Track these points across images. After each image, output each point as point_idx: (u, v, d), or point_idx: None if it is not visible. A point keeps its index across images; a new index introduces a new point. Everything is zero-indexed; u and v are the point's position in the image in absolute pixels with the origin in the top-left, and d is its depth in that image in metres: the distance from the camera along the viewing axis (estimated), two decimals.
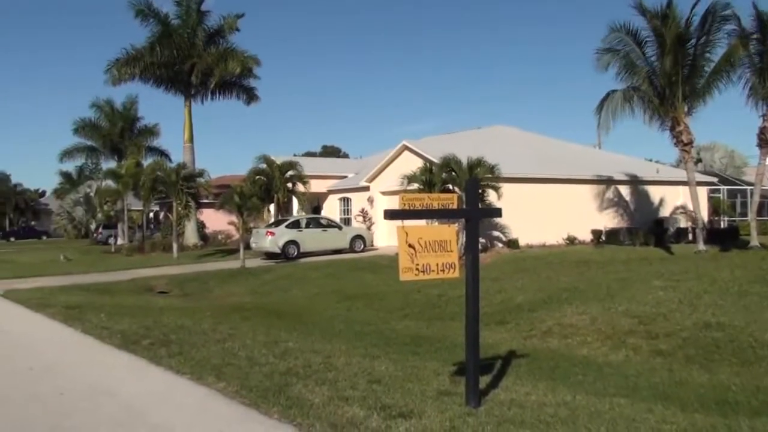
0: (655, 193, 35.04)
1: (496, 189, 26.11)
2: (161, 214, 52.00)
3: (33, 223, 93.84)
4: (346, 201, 40.20)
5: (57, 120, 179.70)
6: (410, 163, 30.82)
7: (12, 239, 78.36)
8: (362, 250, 31.48)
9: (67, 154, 55.46)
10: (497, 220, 28.04)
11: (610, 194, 33.76)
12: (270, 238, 29.97)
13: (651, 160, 46.64)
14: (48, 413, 6.42)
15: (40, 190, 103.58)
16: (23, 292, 17.93)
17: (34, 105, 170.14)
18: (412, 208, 6.50)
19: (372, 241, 33.13)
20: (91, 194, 59.02)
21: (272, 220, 34.20)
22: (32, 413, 6.45)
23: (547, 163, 32.88)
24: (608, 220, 32.88)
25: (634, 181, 34.41)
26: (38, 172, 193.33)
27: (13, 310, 15.24)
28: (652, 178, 35.26)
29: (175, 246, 34.63)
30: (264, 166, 34.83)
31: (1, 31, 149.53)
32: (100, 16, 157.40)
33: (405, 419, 5.75)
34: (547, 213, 29.95)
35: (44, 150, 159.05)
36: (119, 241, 45.88)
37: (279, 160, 35.33)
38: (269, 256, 30.36)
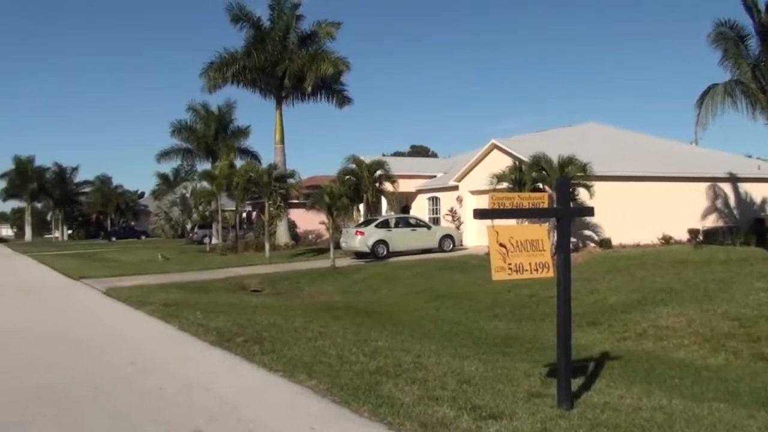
0: (756, 190, 33.64)
1: (588, 188, 25.55)
2: (254, 215, 53.06)
3: (132, 223, 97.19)
4: (434, 200, 40.13)
5: (155, 123, 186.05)
6: (499, 162, 30.52)
7: (113, 239, 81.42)
8: (451, 250, 31.34)
9: (164, 156, 57.39)
10: (589, 219, 27.50)
11: (708, 192, 32.58)
12: (359, 238, 30.19)
13: (750, 157, 44.79)
14: (149, 407, 6.65)
15: (139, 192, 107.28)
16: (124, 290, 18.55)
17: (133, 110, 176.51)
18: (501, 207, 6.43)
19: (461, 241, 32.96)
20: (187, 195, 60.78)
21: (361, 219, 34.44)
22: (134, 406, 6.68)
23: (642, 160, 32.00)
24: (706, 219, 31.76)
25: (734, 179, 33.09)
26: (137, 174, 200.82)
27: (115, 306, 15.82)
28: (753, 175, 33.85)
29: (267, 245, 35.23)
30: (353, 166, 35.09)
31: (104, 41, 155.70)
32: (196, 21, 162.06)
33: (495, 420, 5.69)
34: (642, 212, 29.15)
35: (143, 152, 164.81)
36: (214, 241, 47.01)
37: (368, 160, 35.53)
38: (359, 255, 30.58)
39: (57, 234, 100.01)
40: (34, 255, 45.18)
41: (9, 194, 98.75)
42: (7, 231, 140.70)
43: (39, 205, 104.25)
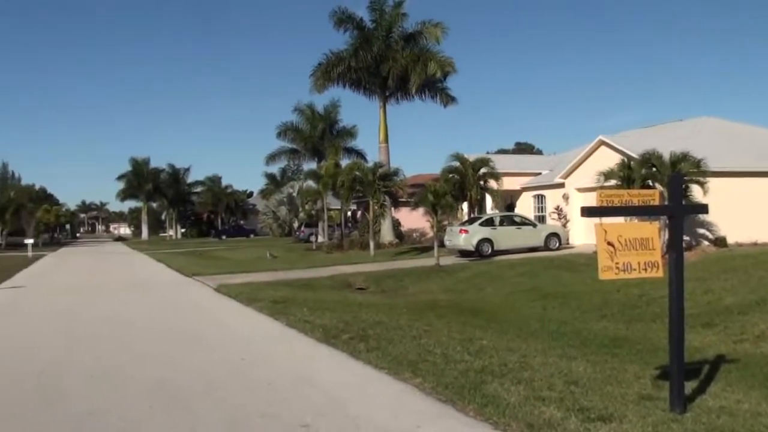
0: None
1: (702, 184, 24.56)
2: (359, 213, 53.60)
3: (242, 222, 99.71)
4: (540, 198, 39.52)
5: (263, 125, 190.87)
6: (607, 159, 29.76)
7: (223, 237, 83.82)
8: (557, 248, 30.78)
9: (272, 157, 58.79)
10: (702, 217, 26.43)
11: None
12: (464, 236, 30.05)
13: None
14: (259, 400, 6.82)
15: (248, 191, 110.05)
16: (234, 287, 19.08)
17: (242, 112, 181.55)
18: (610, 204, 6.27)
19: (567, 239, 32.35)
20: (294, 194, 61.83)
21: (466, 218, 34.28)
22: (245, 400, 6.87)
23: (760, 155, 30.53)
24: None
25: None
26: (246, 174, 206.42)
27: (226, 303, 16.30)
28: None
29: (371, 244, 35.52)
30: (457, 164, 34.96)
31: (217, 48, 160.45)
32: (303, 24, 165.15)
33: (605, 423, 5.57)
34: (760, 209, 27.82)
35: (252, 153, 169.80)
36: (320, 239, 47.73)
37: (472, 157, 35.33)
38: (463, 253, 30.44)
39: (171, 232, 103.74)
40: (149, 253, 47.09)
41: (127, 195, 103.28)
42: (125, 230, 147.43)
43: (154, 205, 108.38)
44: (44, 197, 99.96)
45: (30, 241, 50.85)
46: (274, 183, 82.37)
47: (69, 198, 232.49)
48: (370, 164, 40.90)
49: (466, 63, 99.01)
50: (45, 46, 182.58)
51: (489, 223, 31.06)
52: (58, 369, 8.61)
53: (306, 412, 6.26)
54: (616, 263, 5.85)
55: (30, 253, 44.91)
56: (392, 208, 41.90)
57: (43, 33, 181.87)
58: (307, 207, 54.22)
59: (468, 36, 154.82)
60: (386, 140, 42.89)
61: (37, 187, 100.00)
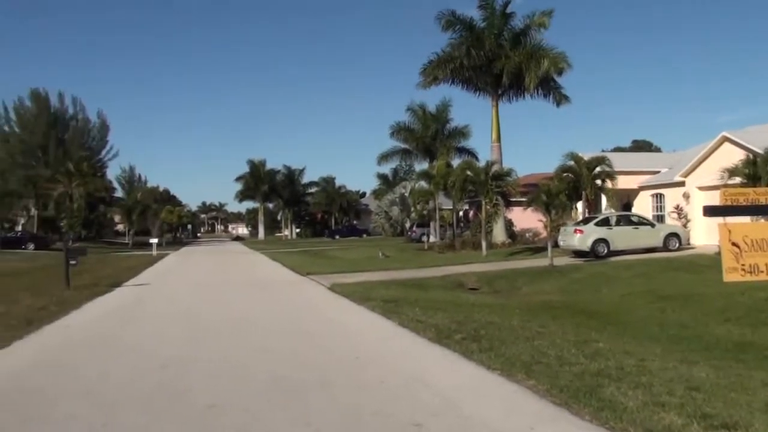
0: None
1: None
2: (471, 213, 53.38)
3: (354, 222, 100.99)
4: (658, 197, 38.25)
5: (375, 125, 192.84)
6: (731, 156, 28.54)
7: (336, 237, 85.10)
8: (677, 249, 29.69)
9: (384, 157, 59.27)
10: None
11: None
12: (578, 236, 29.44)
13: None
14: (371, 399, 6.88)
15: (361, 192, 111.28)
16: (347, 286, 19.32)
17: (355, 113, 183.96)
18: (735, 203, 6.04)
19: (688, 240, 31.15)
20: (406, 194, 62.30)
21: (580, 217, 33.60)
22: (358, 398, 6.94)
23: None
24: None
25: None
26: (359, 175, 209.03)
27: (339, 302, 16.52)
28: None
29: (484, 244, 35.28)
30: (571, 163, 34.35)
31: (331, 49, 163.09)
32: (415, 25, 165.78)
33: (729, 431, 5.34)
34: None
35: (364, 154, 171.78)
36: (431, 239, 47.79)
37: (586, 156, 34.63)
38: (578, 254, 29.83)
39: (286, 232, 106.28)
40: (266, 252, 48.34)
41: (244, 196, 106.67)
42: (242, 230, 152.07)
43: (270, 206, 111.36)
44: (168, 198, 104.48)
45: (154, 240, 53.18)
46: (387, 183, 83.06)
47: (190, 199, 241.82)
48: (482, 164, 40.65)
49: (581, 59, 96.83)
50: (169, 53, 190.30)
51: (605, 222, 30.30)
52: (180, 363, 8.95)
53: (418, 412, 6.28)
54: (742, 265, 5.64)
55: (154, 252, 46.91)
56: (505, 208, 41.49)
57: (167, 41, 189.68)
58: (418, 207, 54.40)
59: (583, 32, 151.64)
60: (498, 139, 42.49)
61: (161, 188, 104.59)
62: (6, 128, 75.33)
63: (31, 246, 58.17)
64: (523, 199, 35.57)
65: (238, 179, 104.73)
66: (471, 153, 53.33)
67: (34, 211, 71.52)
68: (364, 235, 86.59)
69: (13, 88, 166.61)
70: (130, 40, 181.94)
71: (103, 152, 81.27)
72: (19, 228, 70.93)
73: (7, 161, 72.17)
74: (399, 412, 6.33)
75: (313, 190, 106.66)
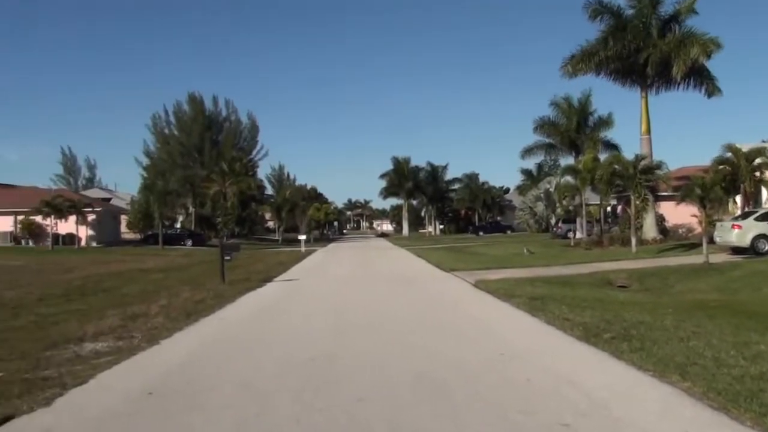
0: None
1: None
2: (619, 208, 51.80)
3: (498, 218, 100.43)
4: None
5: (518, 120, 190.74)
6: None
7: (480, 233, 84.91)
8: None
9: (528, 152, 58.52)
10: None
11: None
12: (736, 232, 27.90)
13: None
14: (517, 396, 6.81)
15: (504, 188, 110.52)
16: (491, 283, 19.19)
17: (497, 108, 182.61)
18: None
19: None
20: (551, 189, 61.17)
21: (738, 212, 31.88)
22: (503, 395, 6.88)
23: None
24: None
25: None
26: (502, 170, 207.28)
27: (483, 298, 16.44)
28: None
29: (633, 240, 34.17)
30: (728, 154, 32.73)
31: (469, 43, 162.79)
32: (556, 15, 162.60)
33: None
34: None
35: (507, 149, 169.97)
36: (578, 235, 46.79)
37: (745, 147, 32.84)
38: (736, 251, 28.26)
39: (430, 229, 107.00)
40: (410, 248, 48.83)
41: (389, 193, 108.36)
42: (387, 226, 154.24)
43: (414, 202, 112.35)
44: (315, 196, 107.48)
45: (303, 236, 54.89)
46: (531, 178, 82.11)
47: (336, 196, 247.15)
48: (629, 157, 39.33)
49: (737, 46, 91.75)
50: (322, 54, 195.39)
51: (766, 217, 28.55)
52: (327, 357, 9.17)
53: (566, 412, 6.15)
54: None
55: (303, 248, 48.37)
56: (656, 203, 39.97)
57: (317, 40, 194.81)
58: (564, 202, 53.36)
59: (737, 17, 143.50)
60: (648, 131, 40.91)
61: (308, 186, 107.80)
62: (166, 131, 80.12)
63: (189, 242, 61.59)
64: (675, 194, 34.12)
65: (382, 176, 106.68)
66: (616, 146, 51.96)
67: (191, 209, 75.55)
68: (509, 232, 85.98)
69: (173, 93, 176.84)
70: (276, 39, 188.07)
71: (254, 152, 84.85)
72: (179, 225, 75.10)
73: (168, 162, 76.85)
74: (546, 410, 6.23)
75: (456, 186, 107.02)
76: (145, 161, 79.22)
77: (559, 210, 57.97)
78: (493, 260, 31.99)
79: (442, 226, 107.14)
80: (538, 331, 11.06)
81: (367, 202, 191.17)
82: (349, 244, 71.09)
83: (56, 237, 55.64)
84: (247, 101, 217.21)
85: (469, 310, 14.40)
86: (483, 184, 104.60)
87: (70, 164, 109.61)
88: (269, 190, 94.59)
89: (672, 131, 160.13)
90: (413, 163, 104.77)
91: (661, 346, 8.90)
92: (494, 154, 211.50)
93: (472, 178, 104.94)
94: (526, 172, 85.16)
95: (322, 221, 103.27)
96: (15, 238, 58.46)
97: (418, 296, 17.42)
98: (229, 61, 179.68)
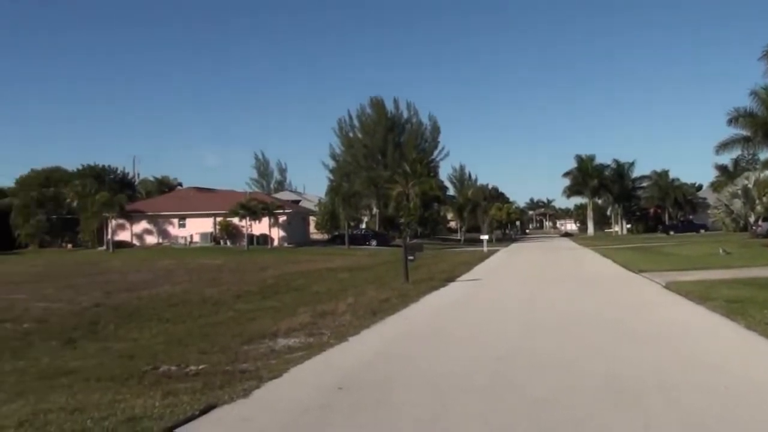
0: None
1: None
2: None
3: (690, 216, 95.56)
4: None
5: (711, 114, 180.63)
6: None
7: (671, 233, 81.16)
8: None
9: (723, 146, 55.04)
10: None
11: None
12: None
13: None
14: (715, 404, 6.44)
15: (697, 184, 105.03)
16: (684, 284, 18.25)
17: (688, 103, 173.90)
18: None
19: None
20: (749, 186, 57.32)
21: None
22: (700, 403, 6.53)
23: None
24: None
25: None
26: (694, 167, 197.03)
27: (674, 300, 15.64)
28: None
29: None
30: None
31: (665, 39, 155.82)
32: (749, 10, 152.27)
33: None
34: None
35: (699, 144, 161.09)
36: None
37: None
38: None
39: (616, 228, 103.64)
40: (595, 248, 47.52)
41: (572, 191, 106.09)
42: (570, 226, 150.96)
43: (599, 201, 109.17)
44: (496, 196, 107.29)
45: (485, 237, 54.83)
46: (726, 174, 77.34)
47: (518, 196, 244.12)
48: None
49: None
50: (498, 53, 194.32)
51: None
52: (511, 357, 9.11)
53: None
54: None
55: (485, 248, 48.31)
56: None
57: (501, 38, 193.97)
58: (765, 199, 49.81)
59: None
60: None
61: (490, 186, 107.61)
62: (351, 134, 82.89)
63: (374, 242, 63.26)
64: None
65: (565, 175, 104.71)
66: None
67: (375, 210, 77.53)
68: (702, 231, 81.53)
69: (356, 95, 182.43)
70: (461, 41, 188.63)
71: (435, 153, 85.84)
72: (363, 226, 77.28)
73: (353, 164, 79.46)
74: (747, 420, 5.87)
75: (644, 184, 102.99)
76: (331, 164, 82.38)
77: (758, 207, 54.20)
78: (686, 261, 30.41)
79: (629, 226, 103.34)
80: (736, 337, 10.40)
81: (549, 202, 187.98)
82: (532, 243, 70.23)
83: (251, 237, 58.90)
84: (428, 103, 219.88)
85: (660, 313, 13.78)
86: (673, 181, 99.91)
87: (263, 168, 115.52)
88: (451, 191, 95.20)
89: None
90: (597, 160, 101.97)
91: None
92: (685, 149, 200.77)
93: (661, 175, 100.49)
94: (721, 168, 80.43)
95: (504, 221, 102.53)
96: (214, 238, 62.53)
97: (604, 297, 16.92)
98: (411, 64, 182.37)
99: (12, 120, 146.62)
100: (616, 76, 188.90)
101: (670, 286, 18.18)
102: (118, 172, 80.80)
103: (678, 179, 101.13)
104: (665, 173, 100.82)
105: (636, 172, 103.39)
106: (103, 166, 78.02)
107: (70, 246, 66.64)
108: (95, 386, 7.65)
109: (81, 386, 7.67)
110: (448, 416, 6.28)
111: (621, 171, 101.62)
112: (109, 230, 61.79)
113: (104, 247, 60.16)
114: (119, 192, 67.85)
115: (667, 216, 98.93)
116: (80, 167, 76.06)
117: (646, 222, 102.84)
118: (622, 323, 12.26)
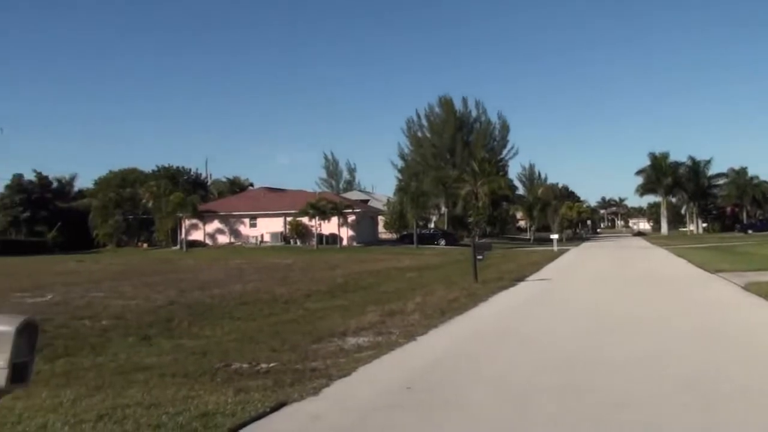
0: None
1: None
2: None
3: None
4: None
5: None
6: None
7: (749, 231, 78.85)
8: None
9: None
10: None
11: None
12: None
13: None
14: None
15: None
16: (764, 285, 17.66)
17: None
18: None
19: None
20: None
21: None
22: None
23: None
24: None
25: None
26: None
27: (755, 302, 15.04)
28: None
29: None
30: None
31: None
32: None
33: None
34: None
35: None
36: None
37: None
38: None
39: (691, 227, 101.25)
40: (669, 247, 46.46)
41: (645, 190, 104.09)
42: (643, 225, 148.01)
43: (673, 200, 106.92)
44: (567, 195, 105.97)
45: (555, 236, 54.28)
46: None
47: (589, 195, 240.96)
48: None
49: None
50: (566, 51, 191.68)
51: None
52: (583, 359, 8.94)
53: None
54: None
55: (555, 248, 47.74)
56: None
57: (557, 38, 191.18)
58: None
59: None
60: None
61: (560, 185, 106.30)
62: (419, 134, 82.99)
63: (442, 242, 63.16)
64: None
65: (638, 173, 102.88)
66: None
67: (444, 209, 77.39)
68: None
69: (426, 96, 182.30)
70: (530, 45, 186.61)
71: (504, 151, 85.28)
72: (432, 225, 77.21)
73: (421, 164, 79.58)
74: None
75: (720, 182, 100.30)
76: (400, 164, 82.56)
77: None
78: (765, 261, 29.44)
79: (704, 225, 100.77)
80: None
81: (621, 200, 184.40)
82: (603, 243, 69.08)
83: (320, 237, 59.49)
84: (497, 101, 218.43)
85: (739, 315, 13.37)
86: (752, 179, 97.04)
87: (332, 168, 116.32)
88: (520, 190, 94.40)
89: None
90: (672, 158, 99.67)
91: None
92: (765, 147, 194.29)
93: (739, 172, 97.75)
94: None
95: (575, 220, 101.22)
96: (284, 237, 63.36)
97: (679, 298, 16.53)
98: (480, 62, 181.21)
99: (90, 120, 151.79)
100: (692, 72, 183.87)
101: (749, 287, 17.59)
102: (192, 173, 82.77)
103: (757, 177, 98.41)
104: (743, 171, 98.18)
105: (712, 170, 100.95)
106: (177, 167, 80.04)
107: (145, 245, 68.53)
108: (170, 382, 7.81)
109: (156, 382, 7.84)
110: (519, 418, 6.20)
111: (696, 168, 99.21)
112: (183, 230, 63.29)
113: (178, 247, 61.67)
114: (192, 192, 69.42)
115: (744, 214, 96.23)
116: (155, 168, 78.18)
117: (723, 221, 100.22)
118: (698, 325, 11.91)
